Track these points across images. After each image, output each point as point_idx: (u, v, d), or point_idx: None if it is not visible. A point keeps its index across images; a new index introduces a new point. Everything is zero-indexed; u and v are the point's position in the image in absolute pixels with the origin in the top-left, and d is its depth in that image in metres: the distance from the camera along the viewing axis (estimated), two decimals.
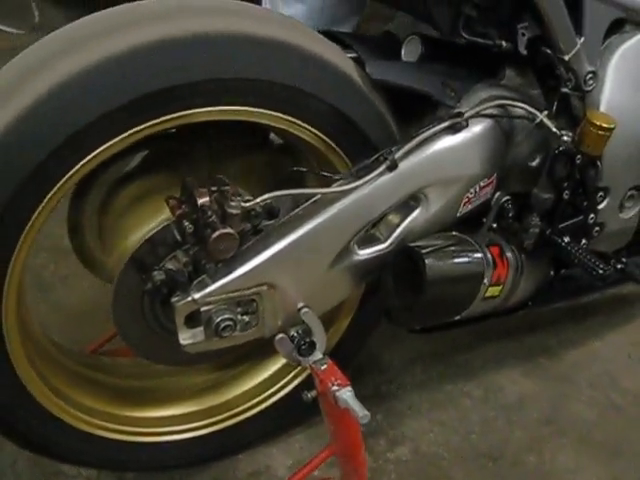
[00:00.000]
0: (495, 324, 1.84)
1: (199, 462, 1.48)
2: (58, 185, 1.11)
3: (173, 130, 1.26)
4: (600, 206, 1.48)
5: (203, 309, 1.23)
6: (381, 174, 1.25)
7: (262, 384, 1.50)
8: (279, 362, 1.50)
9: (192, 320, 1.25)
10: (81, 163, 1.11)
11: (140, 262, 1.25)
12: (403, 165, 1.26)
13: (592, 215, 1.46)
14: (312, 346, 1.29)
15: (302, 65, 1.23)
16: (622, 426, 1.71)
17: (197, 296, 1.21)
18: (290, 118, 1.24)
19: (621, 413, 1.75)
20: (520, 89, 1.42)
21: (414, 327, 1.42)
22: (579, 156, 1.37)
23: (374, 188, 1.26)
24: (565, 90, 1.40)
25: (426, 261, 1.24)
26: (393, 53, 1.41)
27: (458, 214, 1.37)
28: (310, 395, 1.28)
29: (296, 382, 1.50)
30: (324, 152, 1.30)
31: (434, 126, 1.28)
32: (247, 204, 1.20)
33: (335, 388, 1.22)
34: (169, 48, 1.11)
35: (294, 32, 1.24)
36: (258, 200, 1.20)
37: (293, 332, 1.30)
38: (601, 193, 1.46)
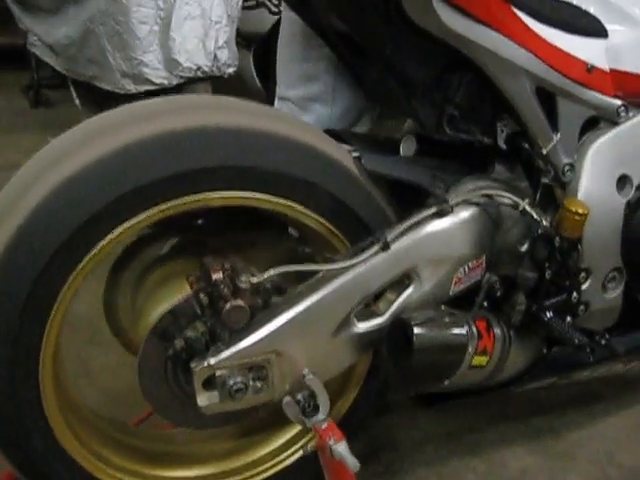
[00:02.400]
0: (505, 407, 1.99)
1: None
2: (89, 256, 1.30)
3: (200, 222, 1.50)
4: (583, 286, 1.62)
5: (218, 373, 1.39)
6: (375, 254, 1.42)
7: (278, 449, 1.64)
8: (293, 430, 1.64)
9: (209, 384, 1.40)
10: (106, 240, 1.30)
11: (163, 331, 1.42)
12: (394, 246, 1.43)
13: (575, 294, 1.60)
14: (316, 409, 1.44)
15: (310, 160, 1.42)
16: None
17: (213, 361, 1.37)
18: (298, 206, 1.42)
19: None
20: (507, 181, 1.60)
21: (409, 393, 1.56)
22: (558, 239, 1.52)
23: (368, 266, 1.42)
24: (545, 181, 1.57)
25: (414, 330, 1.39)
26: (391, 150, 1.60)
27: (450, 292, 1.53)
28: (309, 448, 1.42)
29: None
30: (327, 237, 1.47)
31: (422, 211, 1.45)
32: (255, 279, 1.37)
33: (331, 442, 1.37)
34: (194, 136, 1.32)
35: (304, 131, 1.45)
36: (265, 276, 1.38)
37: (299, 396, 1.45)
38: (583, 274, 1.61)
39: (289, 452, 1.65)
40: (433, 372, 1.45)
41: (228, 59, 2.93)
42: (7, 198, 1.29)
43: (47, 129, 3.84)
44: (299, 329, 1.42)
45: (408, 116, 1.59)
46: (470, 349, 1.45)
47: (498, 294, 1.57)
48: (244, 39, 3.23)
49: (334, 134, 1.55)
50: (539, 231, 1.53)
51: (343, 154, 1.48)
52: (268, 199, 1.40)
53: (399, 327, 1.43)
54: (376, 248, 1.42)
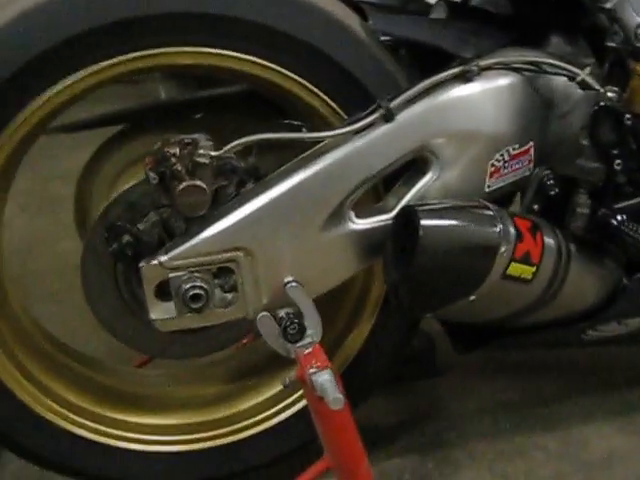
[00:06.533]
0: (586, 373, 1.58)
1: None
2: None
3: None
4: None
5: (172, 275, 1.08)
6: (375, 124, 1.09)
7: (269, 400, 1.30)
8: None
9: (165, 293, 1.10)
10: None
11: (111, 224, 1.13)
12: (402, 115, 1.10)
13: None
14: (302, 331, 1.11)
15: (301, 14, 1.13)
16: None
17: (164, 258, 1.08)
18: (286, 72, 1.13)
19: None
20: (565, 55, 1.23)
21: (420, 312, 1.19)
22: (629, 117, 1.14)
23: (367, 140, 1.11)
24: (612, 44, 1.19)
25: (421, 221, 1.04)
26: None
27: (487, 188, 1.17)
28: (289, 379, 1.09)
29: (303, 402, 1.28)
30: (325, 113, 1.16)
31: (440, 74, 1.11)
32: (215, 152, 1.07)
33: (312, 370, 1.03)
34: None
35: None
36: (228, 147, 1.07)
37: (282, 313, 1.13)
38: None
39: (280, 406, 1.31)
40: (450, 278, 1.08)
41: None
42: None
43: None
44: (275, 219, 1.11)
45: None
46: (503, 250, 1.07)
47: (552, 193, 1.19)
48: None
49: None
50: (604, 107, 1.14)
51: (343, 11, 1.17)
52: (248, 59, 1.12)
53: (404, 219, 1.09)
54: (376, 116, 1.09)
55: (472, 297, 1.09)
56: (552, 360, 1.68)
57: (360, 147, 1.10)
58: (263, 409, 1.30)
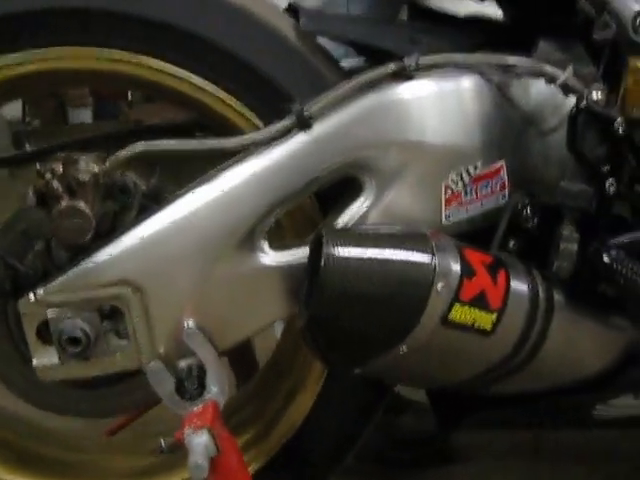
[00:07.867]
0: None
1: None
2: None
3: None
4: None
5: (50, 315, 0.91)
6: (289, 134, 0.90)
7: None
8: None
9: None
10: None
11: None
12: (321, 123, 0.90)
13: None
14: (202, 387, 0.91)
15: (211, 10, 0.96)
16: None
17: (39, 293, 0.91)
18: (194, 77, 0.97)
19: None
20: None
21: (339, 366, 0.95)
22: (622, 125, 0.90)
23: (277, 153, 0.90)
24: (600, 38, 0.95)
25: (325, 248, 0.83)
26: None
27: (444, 219, 0.94)
28: (165, 443, 0.88)
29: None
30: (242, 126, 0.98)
31: (370, 72, 0.91)
32: (97, 168, 0.90)
33: (189, 430, 0.82)
34: None
35: None
36: (111, 160, 0.91)
37: (183, 364, 0.93)
38: None
39: None
40: (365, 323, 0.85)
41: None
42: None
43: None
44: (167, 249, 0.92)
45: None
46: (440, 287, 0.84)
47: (530, 225, 0.95)
48: None
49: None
50: (585, 110, 0.90)
51: (266, 8, 0.99)
52: (150, 65, 0.96)
53: (315, 247, 0.87)
54: (288, 123, 0.89)
55: (403, 349, 0.85)
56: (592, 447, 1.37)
57: (269, 161, 0.90)
58: None
